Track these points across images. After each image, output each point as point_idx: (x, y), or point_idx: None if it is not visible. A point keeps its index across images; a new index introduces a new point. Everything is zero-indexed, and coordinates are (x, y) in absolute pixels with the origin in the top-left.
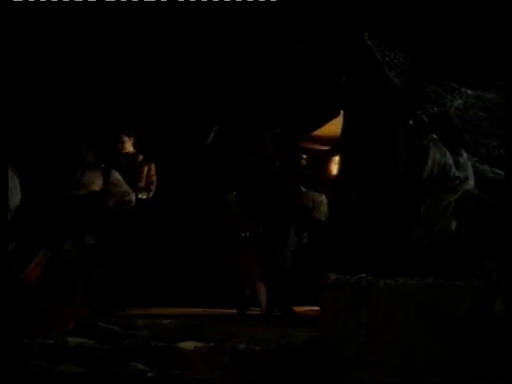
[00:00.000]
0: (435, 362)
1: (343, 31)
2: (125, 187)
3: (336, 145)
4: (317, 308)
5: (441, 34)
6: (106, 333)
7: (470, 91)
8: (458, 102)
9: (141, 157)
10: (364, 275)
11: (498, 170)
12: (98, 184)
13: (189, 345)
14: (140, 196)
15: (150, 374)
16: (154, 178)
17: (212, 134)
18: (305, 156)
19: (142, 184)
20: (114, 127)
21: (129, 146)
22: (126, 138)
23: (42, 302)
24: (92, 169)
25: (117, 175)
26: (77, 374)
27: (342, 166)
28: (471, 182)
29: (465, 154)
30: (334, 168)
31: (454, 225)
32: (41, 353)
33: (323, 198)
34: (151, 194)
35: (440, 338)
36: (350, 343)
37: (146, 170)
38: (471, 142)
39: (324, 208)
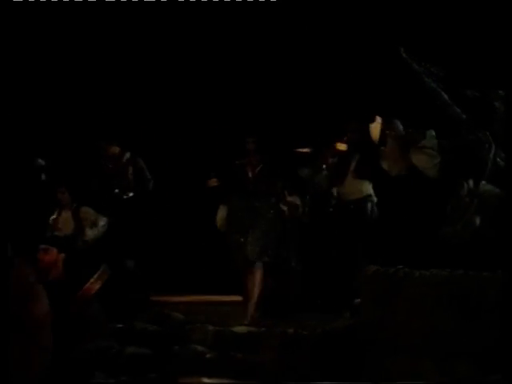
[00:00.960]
0: (464, 347)
1: (382, 47)
2: (94, 217)
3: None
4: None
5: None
6: (168, 318)
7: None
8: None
9: (126, 156)
10: (401, 267)
11: None
12: (71, 227)
13: (242, 329)
14: (126, 196)
15: (208, 355)
16: (145, 171)
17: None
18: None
19: (129, 183)
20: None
21: (112, 149)
22: (104, 144)
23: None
24: (67, 210)
25: (85, 210)
26: (143, 355)
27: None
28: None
29: None
30: None
31: (477, 221)
32: (111, 335)
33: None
34: (150, 185)
35: (468, 326)
36: (387, 329)
37: (130, 169)
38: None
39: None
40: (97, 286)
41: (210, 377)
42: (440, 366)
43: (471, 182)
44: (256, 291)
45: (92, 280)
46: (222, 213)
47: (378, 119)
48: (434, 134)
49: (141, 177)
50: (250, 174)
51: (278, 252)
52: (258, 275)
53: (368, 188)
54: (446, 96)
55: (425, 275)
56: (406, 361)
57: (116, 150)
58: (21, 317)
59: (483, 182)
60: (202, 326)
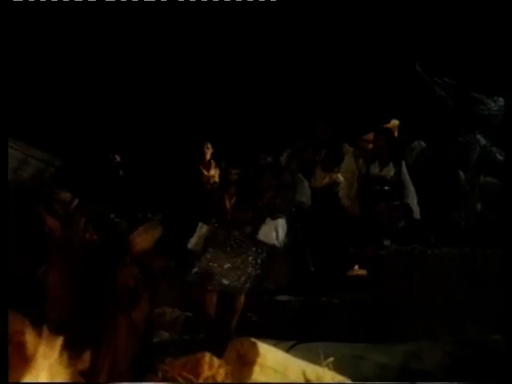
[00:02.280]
0: (472, 314)
1: (399, 62)
2: None
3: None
4: None
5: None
6: None
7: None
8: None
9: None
10: (416, 245)
11: None
12: None
13: (284, 297)
14: None
15: (254, 318)
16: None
17: None
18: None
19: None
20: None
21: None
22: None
23: None
24: None
25: None
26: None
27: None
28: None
29: None
30: None
31: (479, 207)
32: None
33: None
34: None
35: (475, 295)
36: (406, 299)
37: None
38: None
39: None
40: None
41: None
42: (451, 328)
43: (462, 174)
44: (236, 317)
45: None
46: (201, 231)
47: (395, 121)
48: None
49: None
50: (228, 205)
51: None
52: (241, 300)
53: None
54: (451, 103)
55: (436, 252)
56: (423, 324)
57: (67, 195)
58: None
59: (482, 176)
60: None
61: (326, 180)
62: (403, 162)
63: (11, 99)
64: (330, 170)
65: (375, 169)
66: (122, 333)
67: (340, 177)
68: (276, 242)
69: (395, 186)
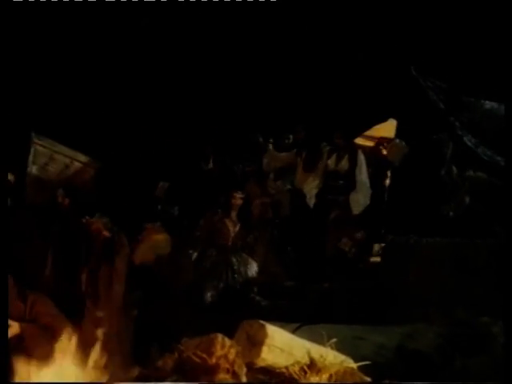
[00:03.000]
0: (462, 298)
1: (396, 66)
2: None
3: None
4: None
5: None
6: None
7: (489, 103)
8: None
9: None
10: (412, 236)
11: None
12: None
13: (290, 283)
14: None
15: (263, 303)
16: None
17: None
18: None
19: None
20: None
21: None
22: None
23: None
24: None
25: None
26: None
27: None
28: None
29: None
30: None
31: (467, 199)
32: None
33: None
34: None
35: (466, 281)
36: (403, 285)
37: None
38: (490, 140)
39: None
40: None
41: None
42: (443, 311)
43: (455, 169)
44: None
45: None
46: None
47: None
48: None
49: None
50: (232, 231)
51: None
52: None
53: None
54: (442, 105)
55: (430, 242)
56: (418, 308)
57: None
58: None
59: (472, 171)
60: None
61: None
62: (361, 158)
63: (37, 99)
64: (312, 170)
65: (332, 164)
66: (104, 283)
67: (318, 180)
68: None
69: (349, 181)
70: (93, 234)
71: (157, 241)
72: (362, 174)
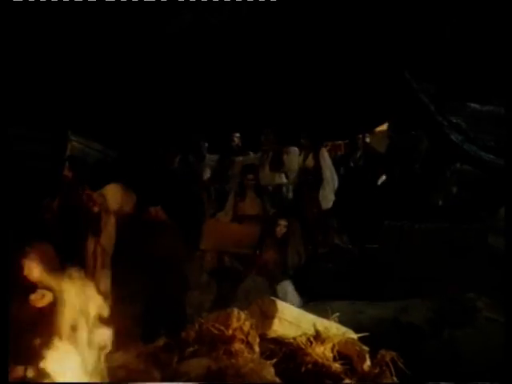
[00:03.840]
0: (451, 276)
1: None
2: None
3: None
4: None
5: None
6: None
7: (473, 105)
8: (465, 112)
9: None
10: (405, 221)
11: (489, 155)
12: None
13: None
14: None
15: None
16: None
17: None
18: None
19: None
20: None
21: None
22: None
23: None
24: None
25: None
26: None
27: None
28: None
29: None
30: None
31: (454, 189)
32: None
33: None
34: None
35: (454, 262)
36: (398, 265)
37: None
38: (474, 137)
39: None
40: None
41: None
42: (435, 288)
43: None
44: None
45: None
46: None
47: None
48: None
49: None
50: (272, 256)
51: None
52: None
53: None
54: (432, 107)
55: (422, 227)
56: (412, 285)
57: None
58: None
59: (459, 164)
60: None
61: (276, 179)
62: (324, 154)
63: (72, 103)
64: (277, 169)
65: (301, 160)
66: (90, 255)
67: (284, 177)
68: None
69: (317, 176)
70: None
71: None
72: (327, 172)
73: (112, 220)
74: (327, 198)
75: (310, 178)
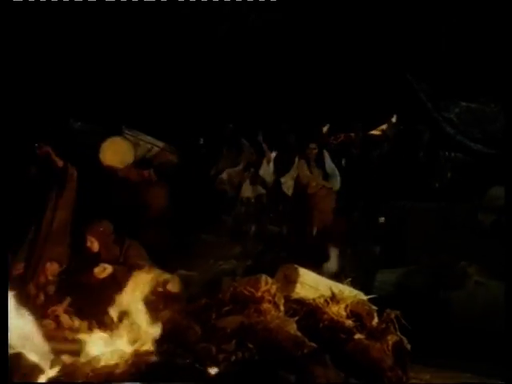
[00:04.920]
0: (446, 247)
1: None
2: None
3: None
4: None
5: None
6: None
7: (464, 103)
8: (457, 109)
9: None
10: (407, 201)
11: (478, 145)
12: None
13: None
14: None
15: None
16: None
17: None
18: None
19: None
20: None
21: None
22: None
23: None
24: None
25: None
26: None
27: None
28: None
29: None
30: None
31: (449, 174)
32: None
33: None
34: None
35: (448, 235)
36: (400, 237)
37: None
38: (464, 130)
39: None
40: None
41: None
42: (432, 257)
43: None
44: None
45: None
46: None
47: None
48: None
49: None
50: None
51: None
52: None
53: None
54: (429, 105)
55: (421, 206)
56: (412, 254)
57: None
58: None
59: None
60: None
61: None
62: (326, 157)
63: (126, 101)
64: (256, 183)
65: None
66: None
67: (261, 189)
68: None
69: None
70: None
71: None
72: (332, 169)
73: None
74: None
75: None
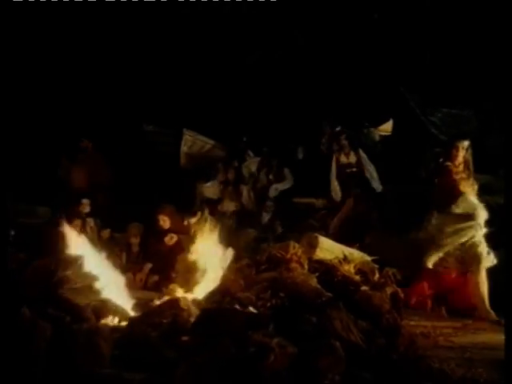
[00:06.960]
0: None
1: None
2: None
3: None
4: None
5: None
6: None
7: (445, 109)
8: (440, 114)
9: None
10: (401, 185)
11: None
12: None
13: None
14: None
15: None
16: None
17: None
18: None
19: None
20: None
21: None
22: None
23: None
24: None
25: None
26: None
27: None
28: None
29: None
30: None
31: (432, 165)
32: None
33: None
34: None
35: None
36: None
37: None
38: (446, 131)
39: None
40: None
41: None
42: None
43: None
44: None
45: None
46: None
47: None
48: None
49: None
50: None
51: None
52: None
53: None
54: (418, 110)
55: (411, 187)
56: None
57: None
58: None
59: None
60: None
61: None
62: (360, 150)
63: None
64: (235, 200)
65: (343, 158)
66: None
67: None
68: None
69: (359, 167)
70: None
71: None
72: (367, 161)
73: None
74: (372, 175)
75: (356, 170)
